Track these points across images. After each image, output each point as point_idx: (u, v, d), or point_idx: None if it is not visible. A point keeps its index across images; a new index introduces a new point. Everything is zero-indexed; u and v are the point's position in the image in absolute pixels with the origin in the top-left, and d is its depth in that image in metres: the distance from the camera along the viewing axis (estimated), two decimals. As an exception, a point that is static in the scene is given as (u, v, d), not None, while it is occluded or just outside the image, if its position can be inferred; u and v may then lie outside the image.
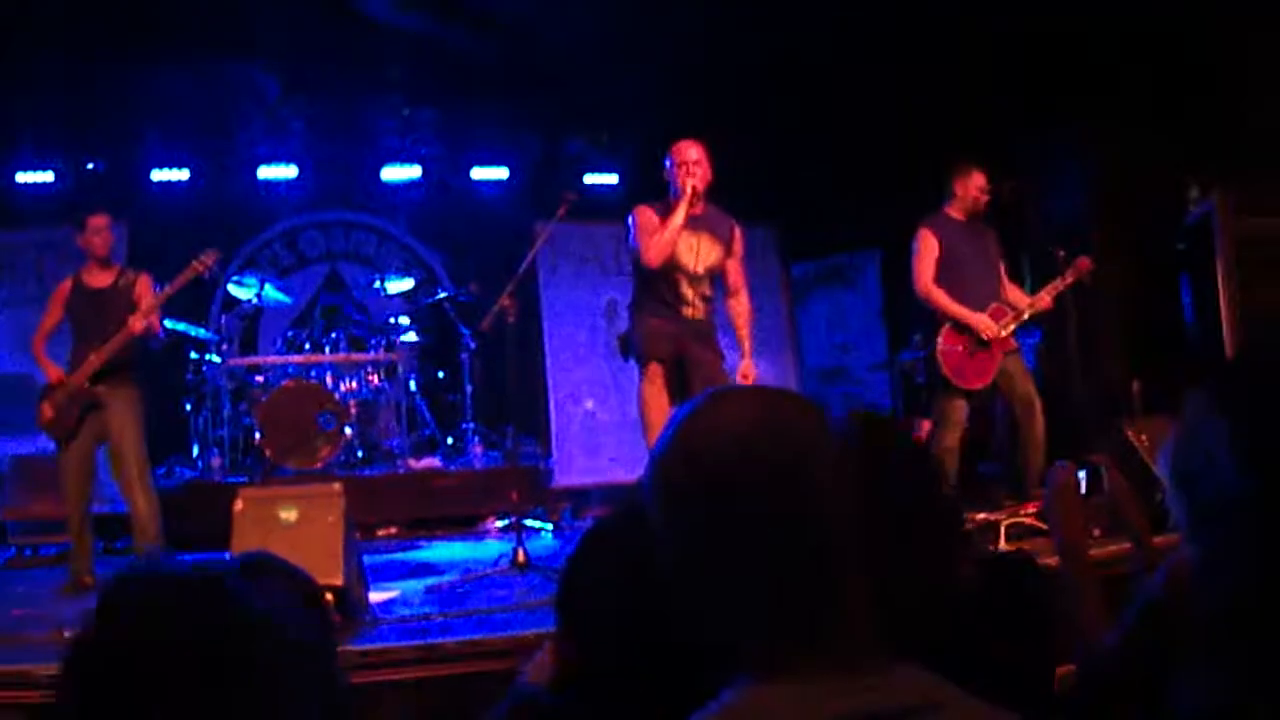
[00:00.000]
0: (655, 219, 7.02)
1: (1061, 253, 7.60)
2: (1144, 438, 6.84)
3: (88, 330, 7.25)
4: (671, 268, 7.02)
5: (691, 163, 7.00)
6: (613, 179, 11.36)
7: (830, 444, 1.44)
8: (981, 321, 7.43)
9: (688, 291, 7.08)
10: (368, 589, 6.19)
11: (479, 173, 11.60)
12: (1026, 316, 7.56)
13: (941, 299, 7.49)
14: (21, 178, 10.25)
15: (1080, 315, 7.73)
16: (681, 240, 6.98)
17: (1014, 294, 7.71)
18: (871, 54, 9.19)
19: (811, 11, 8.69)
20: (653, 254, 6.96)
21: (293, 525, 5.80)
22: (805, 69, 9.39)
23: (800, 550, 1.39)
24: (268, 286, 9.65)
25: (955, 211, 7.68)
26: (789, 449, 1.41)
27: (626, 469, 8.42)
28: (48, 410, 7.12)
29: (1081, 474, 6.99)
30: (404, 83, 10.56)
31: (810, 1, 8.66)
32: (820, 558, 1.39)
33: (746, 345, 7.25)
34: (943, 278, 7.54)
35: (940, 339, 7.50)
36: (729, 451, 1.41)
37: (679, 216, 6.91)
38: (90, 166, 10.39)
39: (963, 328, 7.47)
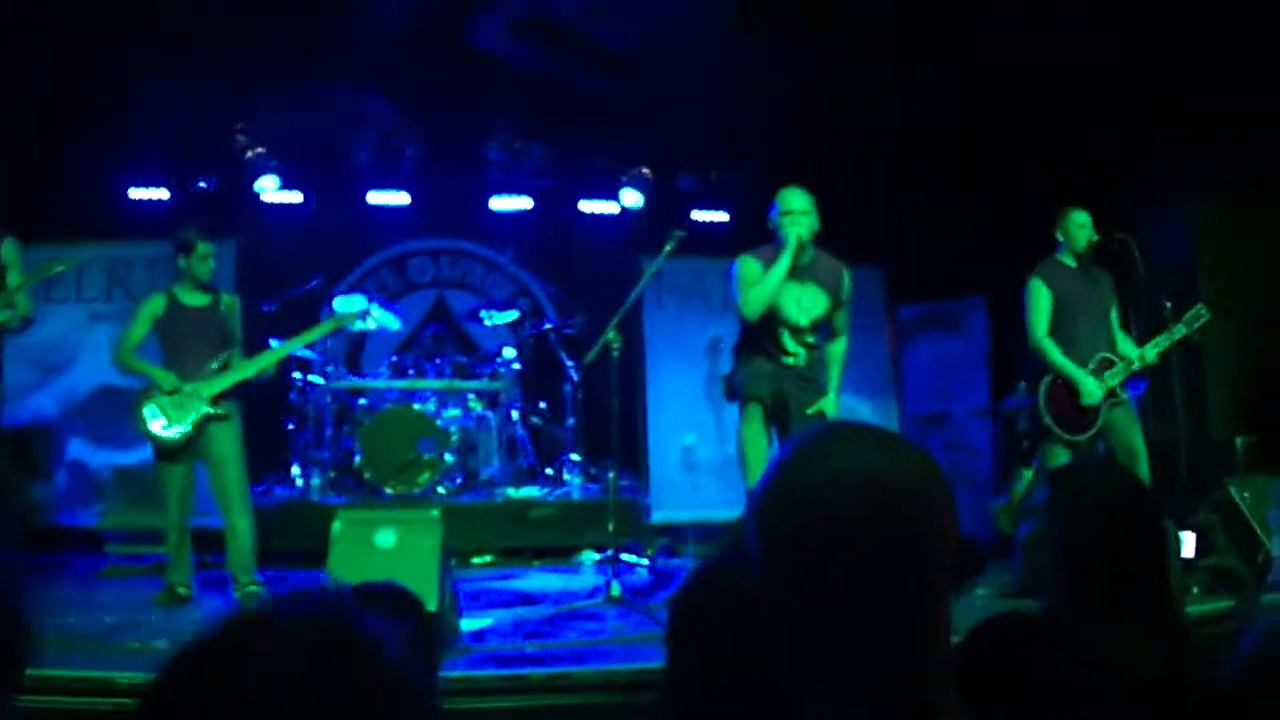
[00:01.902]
0: (758, 269, 6.96)
1: (1169, 304, 7.44)
2: (1247, 495, 6.69)
3: (185, 348, 7.35)
4: (774, 319, 6.96)
5: (797, 212, 6.93)
6: (722, 216, 11.33)
7: (935, 486, 1.40)
8: (1086, 383, 7.27)
9: (790, 342, 7.02)
10: (460, 616, 6.21)
11: (588, 205, 11.65)
12: (1134, 369, 7.40)
13: (1053, 353, 7.35)
14: (135, 193, 10.42)
15: (1186, 368, 7.56)
16: (786, 291, 6.92)
17: (1123, 343, 7.55)
18: (981, 101, 9.11)
19: (923, 59, 8.65)
20: (752, 308, 6.91)
21: (389, 549, 5.83)
22: (917, 113, 9.32)
23: (893, 598, 1.34)
24: (376, 310, 9.74)
25: (1066, 257, 7.55)
26: (894, 492, 1.36)
27: (724, 507, 8.36)
28: (154, 417, 7.19)
29: (1187, 535, 6.86)
30: (516, 115, 10.64)
31: (922, 50, 8.61)
32: (914, 605, 1.35)
33: (833, 384, 7.18)
34: (1055, 327, 7.41)
35: (1045, 387, 7.38)
36: (830, 493, 1.37)
37: (780, 269, 6.84)
38: (201, 185, 10.55)
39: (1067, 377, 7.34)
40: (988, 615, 2.41)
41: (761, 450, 6.93)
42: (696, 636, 2.19)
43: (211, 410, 7.17)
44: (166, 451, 7.23)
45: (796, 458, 1.45)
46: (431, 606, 5.40)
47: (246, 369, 7.32)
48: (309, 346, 9.26)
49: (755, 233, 7.28)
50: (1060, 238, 7.56)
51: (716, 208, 11.34)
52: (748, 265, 7.01)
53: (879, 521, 1.34)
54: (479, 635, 6.10)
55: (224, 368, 7.27)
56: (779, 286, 6.85)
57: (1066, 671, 2.24)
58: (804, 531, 1.37)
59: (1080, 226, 7.49)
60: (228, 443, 7.26)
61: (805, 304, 7.00)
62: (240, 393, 7.40)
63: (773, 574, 1.42)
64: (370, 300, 9.58)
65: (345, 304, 8.16)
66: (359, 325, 9.11)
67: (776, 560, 1.42)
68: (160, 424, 7.18)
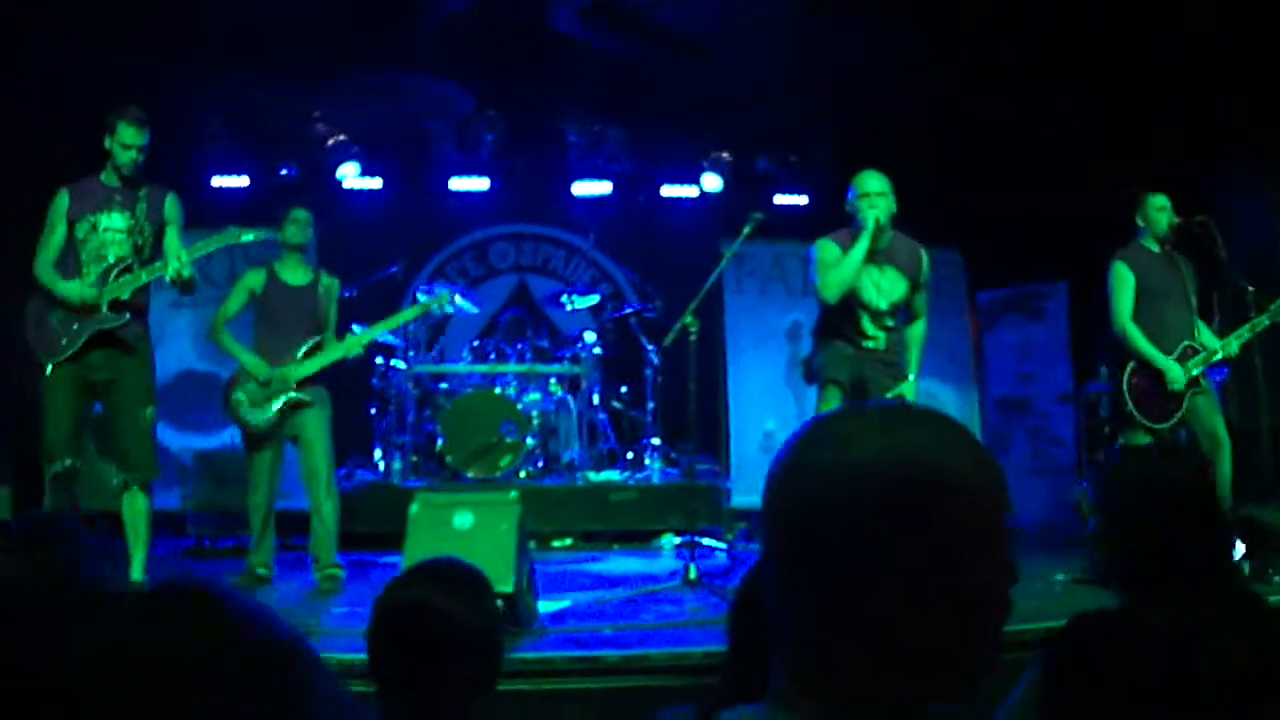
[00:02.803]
0: (837, 253, 6.90)
1: (1251, 289, 7.30)
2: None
3: (281, 326, 7.43)
4: (854, 303, 6.90)
5: (874, 194, 6.86)
6: (802, 200, 11.28)
7: (968, 466, 1.36)
8: (1171, 370, 7.16)
9: (869, 326, 6.97)
10: (538, 598, 6.23)
11: (668, 190, 11.65)
12: (1216, 358, 7.27)
13: (1137, 339, 7.25)
14: (217, 181, 10.59)
15: (1268, 354, 7.42)
16: (865, 275, 6.86)
17: (1204, 331, 7.41)
18: (1063, 84, 9.00)
19: (1003, 41, 8.55)
20: (831, 291, 6.85)
21: (467, 531, 5.86)
22: (997, 94, 9.23)
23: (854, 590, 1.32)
24: (456, 296, 9.81)
25: (1148, 242, 7.44)
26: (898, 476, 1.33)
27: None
28: (244, 403, 7.29)
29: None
30: (596, 99, 10.65)
31: (1002, 32, 8.51)
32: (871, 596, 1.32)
33: (912, 367, 7.11)
34: (1138, 313, 7.30)
35: (1128, 373, 7.28)
36: (816, 475, 1.35)
37: (858, 252, 6.78)
38: (283, 172, 10.66)
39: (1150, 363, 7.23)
40: (1076, 613, 2.38)
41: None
42: (756, 622, 2.19)
43: (299, 396, 7.25)
44: (255, 436, 7.33)
45: (804, 434, 1.43)
46: (508, 588, 5.43)
47: (332, 354, 7.39)
48: (391, 332, 9.35)
49: (835, 216, 7.23)
50: (1140, 222, 7.45)
51: (796, 191, 11.30)
52: (826, 249, 6.96)
53: (900, 503, 1.31)
54: (557, 617, 6.12)
55: (312, 352, 7.34)
56: (858, 270, 6.79)
57: (1148, 665, 2.22)
58: (807, 514, 1.35)
59: (1160, 210, 7.38)
60: (317, 426, 7.33)
61: (884, 287, 6.94)
62: (328, 377, 7.48)
63: (774, 556, 1.41)
64: (451, 289, 9.65)
65: (429, 295, 8.23)
66: (444, 310, 9.17)
67: (765, 535, 1.41)
68: (250, 410, 7.27)
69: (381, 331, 7.96)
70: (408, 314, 8.08)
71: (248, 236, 7.06)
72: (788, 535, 1.37)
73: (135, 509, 6.68)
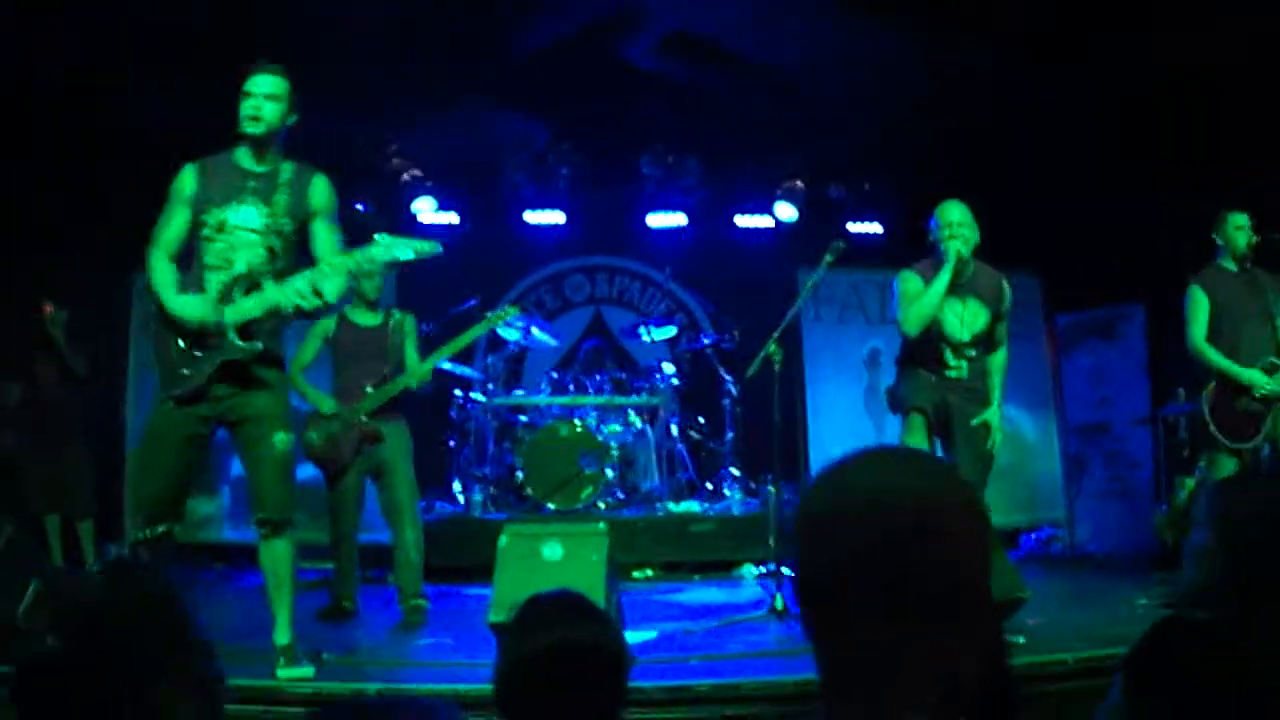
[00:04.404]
0: (920, 285, 6.88)
1: None
2: None
3: (354, 366, 7.50)
4: (936, 335, 6.88)
5: (956, 224, 6.83)
6: (876, 228, 11.26)
7: (962, 510, 1.41)
8: (1254, 377, 7.09)
9: (951, 357, 6.94)
10: (625, 629, 6.24)
11: (742, 220, 11.65)
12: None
13: (1213, 356, 7.18)
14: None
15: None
16: (947, 307, 6.82)
17: None
18: (1138, 104, 8.95)
19: (1080, 62, 8.52)
20: (912, 325, 6.83)
21: (557, 562, 5.89)
22: (1074, 117, 9.19)
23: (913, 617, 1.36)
24: (534, 328, 9.85)
25: (1227, 261, 7.37)
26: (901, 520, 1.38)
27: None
28: (318, 440, 7.37)
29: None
30: (669, 130, 10.69)
31: (1079, 53, 8.48)
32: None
33: (994, 395, 7.07)
34: (1215, 333, 7.23)
35: (1207, 394, 7.20)
36: (838, 509, 1.41)
37: (940, 285, 6.75)
38: (358, 208, 10.75)
39: (1231, 382, 7.14)
40: (1157, 620, 2.37)
41: (923, 462, 6.86)
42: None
43: (371, 425, 7.31)
44: (335, 472, 7.39)
45: (831, 468, 1.48)
46: (598, 619, 5.45)
47: (399, 384, 7.44)
48: (468, 363, 9.41)
49: (910, 244, 7.22)
50: (1220, 241, 7.38)
51: (870, 219, 11.28)
52: (909, 281, 6.93)
53: (899, 542, 1.37)
54: (644, 648, 6.13)
55: (379, 385, 7.40)
56: (939, 303, 6.76)
57: (1238, 680, 2.20)
58: (817, 537, 1.41)
59: (1239, 229, 7.31)
60: (397, 459, 7.40)
61: (966, 319, 6.91)
62: (404, 408, 7.53)
63: (804, 587, 1.46)
64: (528, 321, 9.71)
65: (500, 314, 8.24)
66: (507, 333, 9.19)
67: (797, 557, 1.47)
68: (323, 446, 7.35)
69: (446, 355, 7.85)
70: (469, 335, 7.98)
71: (399, 250, 5.27)
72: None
73: (274, 557, 5.56)
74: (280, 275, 5.33)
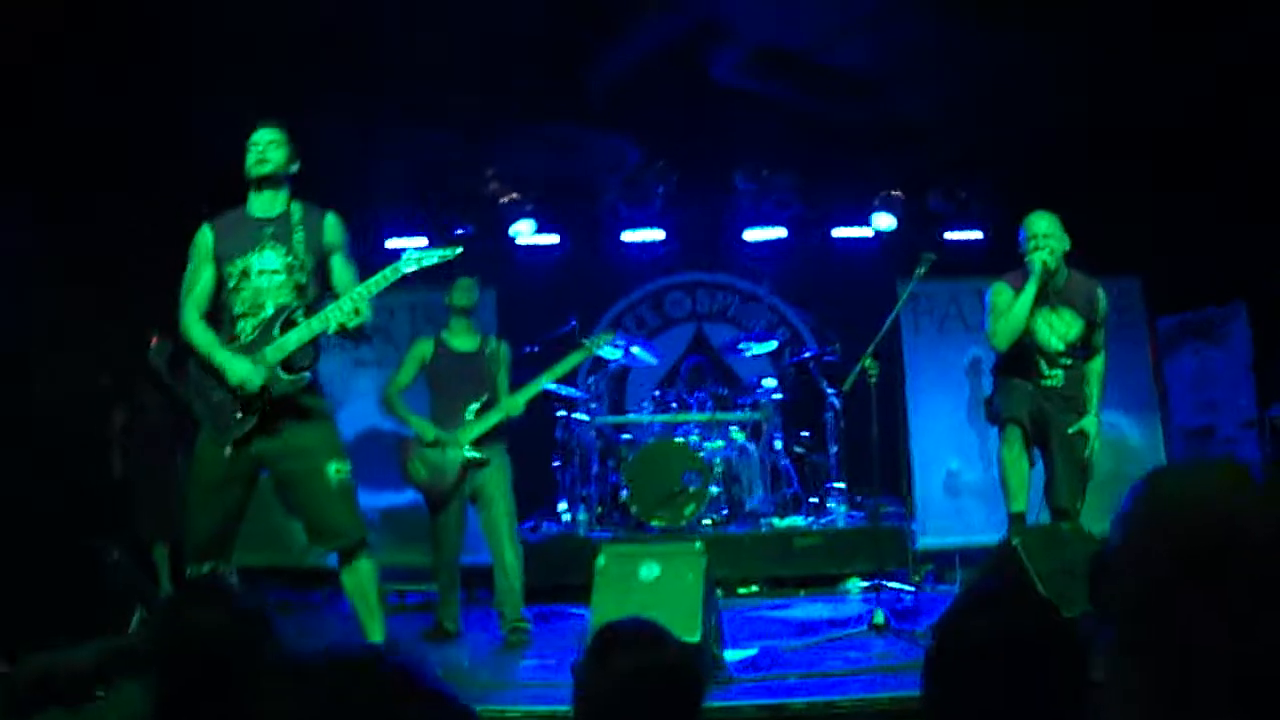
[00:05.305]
0: (1010, 296, 6.85)
1: None
2: None
3: (452, 392, 7.59)
4: (1029, 346, 6.84)
5: (1042, 236, 6.78)
6: (975, 235, 11.15)
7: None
8: None
9: (1045, 367, 6.89)
10: (725, 647, 6.25)
11: (840, 231, 11.59)
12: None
13: None
14: (392, 243, 10.69)
15: None
16: (1040, 317, 6.81)
17: None
18: (1235, 101, 8.78)
19: (1176, 59, 8.38)
20: (1000, 340, 6.83)
21: (653, 582, 5.91)
22: (1171, 115, 9.05)
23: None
24: (635, 347, 9.89)
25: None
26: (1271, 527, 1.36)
27: (990, 531, 8.17)
28: (423, 471, 7.46)
29: None
30: (763, 144, 10.68)
31: (1175, 49, 8.34)
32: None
33: (1092, 403, 6.98)
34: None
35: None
36: (1208, 524, 1.37)
37: (1026, 298, 6.72)
38: (458, 232, 10.84)
39: None
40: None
41: (1022, 473, 6.84)
42: (957, 664, 2.20)
43: (473, 455, 7.39)
44: (435, 498, 7.49)
45: (1166, 481, 1.45)
46: (694, 638, 5.47)
47: (501, 411, 7.51)
48: (572, 384, 9.48)
49: (1008, 250, 7.17)
50: None
51: (970, 227, 11.16)
52: (1000, 293, 6.92)
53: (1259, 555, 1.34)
54: (743, 666, 6.13)
55: (481, 412, 7.48)
56: (1026, 317, 6.74)
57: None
58: (1171, 556, 1.38)
59: None
60: (496, 482, 7.48)
61: (1059, 329, 6.86)
62: (504, 433, 7.61)
63: (1129, 588, 1.42)
64: (628, 340, 9.75)
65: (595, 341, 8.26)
66: (607, 354, 9.25)
67: (1136, 577, 1.43)
68: (428, 477, 7.45)
69: (542, 385, 7.89)
70: (566, 364, 8.00)
71: (429, 260, 5.72)
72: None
73: (358, 578, 5.74)
74: (310, 310, 5.62)
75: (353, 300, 5.51)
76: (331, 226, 5.79)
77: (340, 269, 5.79)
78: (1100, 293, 6.99)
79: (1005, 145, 9.86)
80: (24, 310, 8.33)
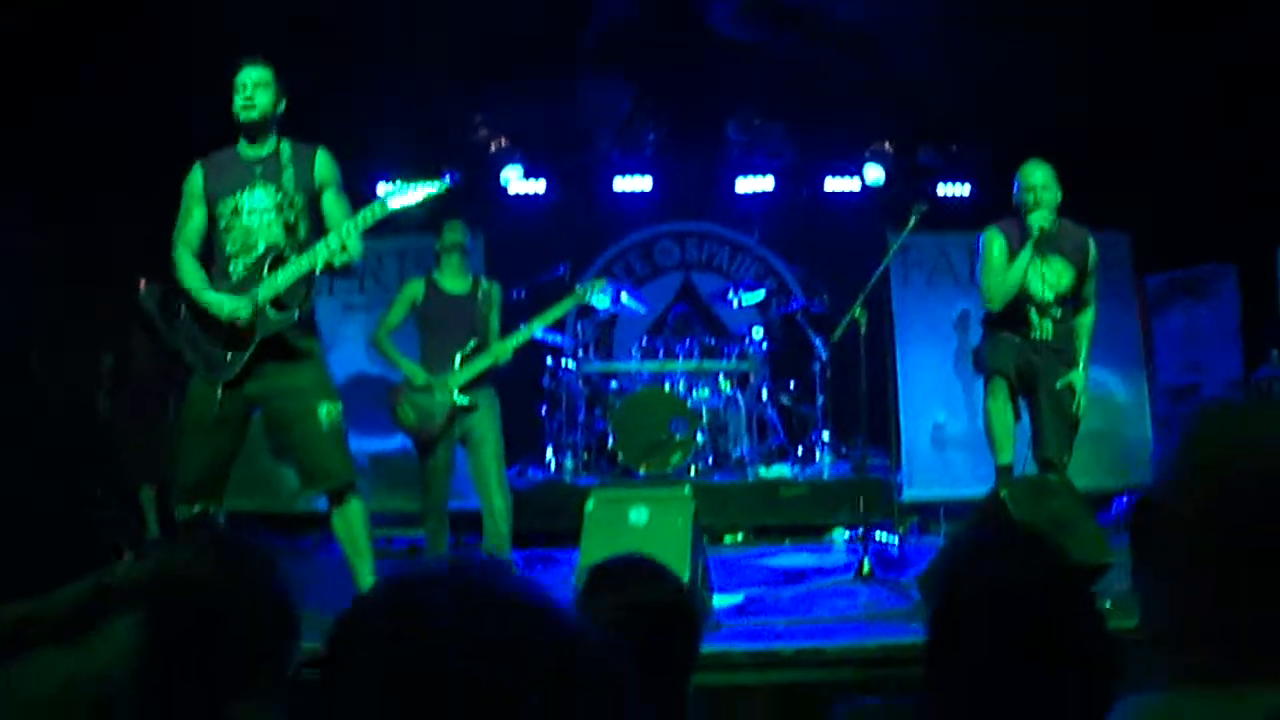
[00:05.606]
0: (1003, 247, 6.85)
1: None
2: None
3: (442, 334, 7.53)
4: (1021, 297, 6.85)
5: (1039, 187, 6.79)
6: (965, 189, 11.15)
7: None
8: None
9: (1036, 317, 6.90)
10: (712, 593, 6.28)
11: (831, 183, 11.57)
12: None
13: None
14: (382, 188, 10.64)
15: None
16: (1031, 268, 6.80)
17: None
18: (1230, 63, 8.77)
19: (1168, 22, 8.37)
20: (995, 301, 6.86)
21: (642, 527, 5.94)
22: (1165, 76, 9.04)
23: None
24: (623, 295, 9.87)
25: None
26: None
27: (976, 484, 8.20)
28: (412, 415, 7.43)
29: None
30: (756, 94, 10.66)
31: (1173, 12, 8.33)
32: None
33: (1081, 356, 7.01)
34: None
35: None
36: (1262, 467, 1.37)
37: (1021, 263, 6.75)
38: (448, 178, 10.79)
39: None
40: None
41: (1007, 425, 6.86)
42: (969, 612, 2.20)
43: (462, 401, 7.37)
44: (424, 442, 7.47)
45: (1211, 423, 1.44)
46: (683, 582, 5.49)
47: (489, 356, 7.49)
48: (560, 331, 9.47)
49: (999, 205, 7.17)
50: None
51: (959, 180, 11.16)
52: (993, 243, 6.91)
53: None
54: (731, 612, 6.18)
55: (470, 357, 7.45)
56: (1021, 280, 6.76)
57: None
58: (1223, 499, 1.36)
59: None
60: (485, 427, 7.45)
61: (1050, 279, 6.87)
62: (494, 377, 7.59)
63: (1172, 531, 1.41)
64: (617, 286, 9.73)
65: (587, 288, 8.22)
66: (597, 302, 9.24)
67: (1184, 521, 1.40)
68: (416, 421, 7.42)
69: (533, 332, 7.83)
70: (556, 310, 7.99)
71: (416, 191, 5.84)
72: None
73: (347, 521, 5.76)
74: (302, 247, 5.61)
75: (340, 235, 5.49)
76: (322, 162, 5.79)
77: (333, 204, 5.77)
78: (1091, 241, 7.00)
79: (996, 100, 9.84)
80: (24, 310, 8.31)
